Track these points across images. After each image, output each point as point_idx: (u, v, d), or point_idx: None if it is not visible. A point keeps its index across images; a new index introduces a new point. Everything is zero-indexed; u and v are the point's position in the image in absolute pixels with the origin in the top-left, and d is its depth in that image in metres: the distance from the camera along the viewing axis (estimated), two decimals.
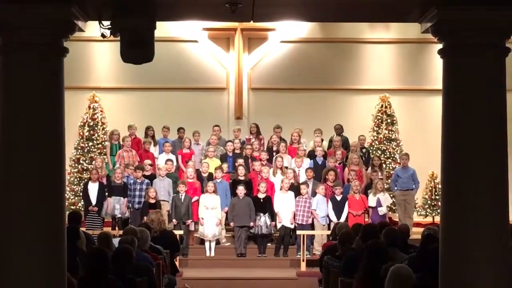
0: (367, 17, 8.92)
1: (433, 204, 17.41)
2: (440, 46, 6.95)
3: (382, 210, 14.94)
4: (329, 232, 13.70)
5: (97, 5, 6.91)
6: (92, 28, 7.76)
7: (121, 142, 16.53)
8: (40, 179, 6.41)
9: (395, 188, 15.83)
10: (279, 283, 13.93)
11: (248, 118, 18.27)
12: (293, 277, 14.07)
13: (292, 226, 15.07)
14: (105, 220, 15.28)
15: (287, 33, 18.11)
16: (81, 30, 7.06)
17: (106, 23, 7.08)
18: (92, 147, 17.40)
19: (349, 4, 7.09)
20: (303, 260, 14.40)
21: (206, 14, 7.93)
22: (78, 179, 17.09)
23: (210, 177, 15.58)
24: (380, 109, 18.02)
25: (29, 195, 6.37)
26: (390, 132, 17.85)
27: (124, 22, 6.93)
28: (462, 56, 6.64)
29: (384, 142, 17.78)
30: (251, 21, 7.96)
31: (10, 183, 6.42)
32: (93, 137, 17.50)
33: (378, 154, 17.11)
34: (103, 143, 17.33)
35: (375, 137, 17.85)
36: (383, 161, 16.94)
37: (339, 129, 17.00)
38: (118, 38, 7.07)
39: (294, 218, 15.02)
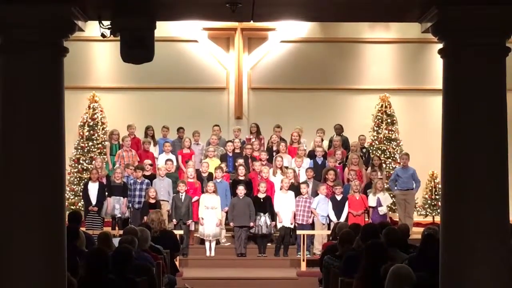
0: (367, 17, 8.93)
1: (433, 204, 17.42)
2: (440, 45, 6.95)
3: (382, 210, 14.93)
4: (329, 232, 13.70)
5: (97, 5, 6.91)
6: (92, 28, 7.77)
7: (120, 142, 16.52)
8: (40, 179, 6.41)
9: (395, 187, 15.83)
10: (279, 283, 13.93)
11: (248, 118, 18.26)
12: (293, 277, 14.06)
13: (292, 226, 15.06)
14: (105, 220, 15.27)
15: (287, 33, 18.10)
16: (81, 30, 7.07)
17: (106, 23, 7.09)
18: (92, 147, 17.39)
19: (349, 4, 7.09)
20: (303, 260, 14.39)
21: (206, 14, 7.93)
22: (78, 179, 17.09)
23: (210, 177, 15.57)
24: (380, 109, 18.02)
25: (29, 195, 6.37)
26: (390, 132, 17.85)
27: (124, 22, 6.94)
28: (462, 56, 6.64)
29: (384, 142, 17.78)
30: (251, 21, 7.97)
31: (10, 182, 6.42)
32: (93, 137, 17.49)
33: (378, 154, 17.10)
34: (103, 143, 17.33)
35: (375, 137, 17.85)
36: (383, 161, 16.93)
37: (339, 129, 17.00)
38: (118, 38, 7.08)
39: (294, 218, 15.02)
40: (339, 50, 18.55)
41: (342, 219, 14.54)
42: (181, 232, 14.48)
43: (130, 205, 15.03)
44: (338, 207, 14.87)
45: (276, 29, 17.95)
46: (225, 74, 18.45)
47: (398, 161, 16.87)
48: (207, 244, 15.04)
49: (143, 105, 18.23)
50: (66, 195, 9.28)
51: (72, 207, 16.18)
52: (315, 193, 15.08)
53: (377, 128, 17.92)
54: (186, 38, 18.22)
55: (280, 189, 15.21)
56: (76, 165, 17.26)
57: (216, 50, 18.31)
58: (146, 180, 15.20)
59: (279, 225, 15.10)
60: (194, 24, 17.35)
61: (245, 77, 18.37)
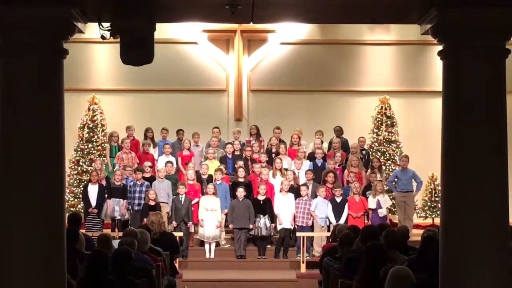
0: (367, 19, 8.94)
1: (433, 206, 17.40)
2: (440, 47, 6.95)
3: (382, 212, 14.93)
4: (328, 234, 13.71)
5: (96, 7, 6.92)
6: (92, 30, 7.77)
7: (120, 144, 16.52)
8: (40, 181, 6.41)
9: (395, 188, 15.83)
10: (279, 285, 13.91)
11: (247, 120, 18.26)
12: (293, 279, 14.05)
13: (292, 228, 15.06)
14: (105, 222, 15.27)
15: (287, 35, 18.11)
16: (80, 31, 7.07)
17: (106, 24, 7.09)
18: (92, 149, 17.37)
19: (348, 6, 7.09)
20: (303, 262, 14.39)
21: (206, 15, 7.94)
22: (78, 181, 17.07)
23: (210, 179, 15.57)
24: (380, 110, 18.01)
25: (29, 197, 6.38)
26: (390, 134, 17.83)
27: (123, 24, 6.94)
28: (462, 58, 6.65)
29: (384, 144, 17.77)
30: (251, 23, 7.97)
31: (10, 184, 6.42)
32: (92, 139, 17.47)
33: (378, 156, 17.10)
34: (102, 145, 17.31)
35: (375, 139, 17.84)
36: (383, 163, 16.93)
37: (338, 131, 17.00)
38: (118, 40, 7.08)
39: (294, 220, 15.02)
40: (339, 52, 18.55)
41: (342, 221, 14.53)
42: (181, 234, 14.49)
43: (130, 207, 15.03)
44: (337, 209, 14.88)
45: (275, 31, 17.95)
46: (225, 76, 18.45)
47: (398, 163, 16.87)
48: (206, 246, 15.04)
49: (143, 107, 18.24)
50: (65, 197, 9.29)
51: (71, 209, 16.16)
52: (314, 195, 15.08)
53: (377, 130, 17.91)
54: (185, 40, 18.23)
55: (280, 191, 15.21)
56: (76, 167, 17.24)
57: (216, 52, 18.32)
58: (146, 182, 15.20)
59: (278, 227, 15.10)
60: (194, 26, 17.35)
61: (245, 79, 18.37)
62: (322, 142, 16.71)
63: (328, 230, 14.48)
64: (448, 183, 6.77)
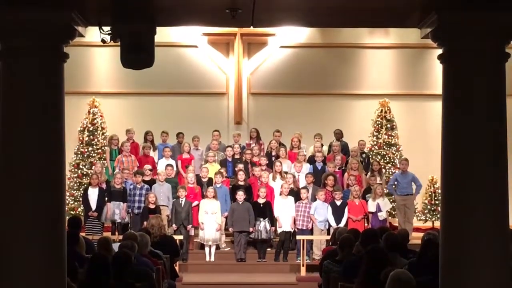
0: (367, 23, 8.94)
1: (433, 209, 17.41)
2: (439, 51, 6.96)
3: (382, 215, 14.94)
4: (328, 237, 13.71)
5: (97, 11, 6.93)
6: (92, 33, 7.78)
7: (120, 147, 16.52)
8: (40, 184, 6.42)
9: (395, 191, 15.84)
10: None
11: (247, 123, 18.27)
12: (293, 282, 14.06)
13: (292, 231, 15.06)
14: (105, 225, 15.27)
15: (287, 38, 18.12)
16: (81, 35, 7.08)
17: (106, 28, 7.10)
18: (92, 152, 17.37)
19: (348, 10, 7.11)
20: (303, 265, 14.39)
21: (206, 19, 7.95)
22: (78, 184, 17.07)
23: (210, 182, 15.58)
24: (379, 114, 18.02)
25: (29, 200, 6.38)
26: (389, 137, 17.84)
27: (124, 28, 6.95)
28: (461, 62, 6.66)
29: (384, 147, 17.78)
30: (251, 27, 7.98)
31: (10, 188, 6.43)
32: (92, 142, 17.47)
33: (377, 159, 17.09)
34: (102, 148, 17.31)
35: (375, 142, 17.84)
36: (382, 166, 16.94)
37: (338, 134, 17.01)
38: (118, 44, 7.09)
39: (294, 223, 15.02)
40: (339, 55, 18.56)
41: (342, 224, 14.55)
42: (181, 237, 14.49)
43: (130, 210, 15.03)
44: (337, 213, 14.88)
45: (275, 34, 17.95)
46: (225, 79, 18.46)
47: (398, 166, 16.87)
48: (206, 249, 15.04)
49: (143, 110, 18.23)
50: (66, 200, 9.29)
51: (72, 212, 16.17)
52: (314, 199, 15.09)
53: (377, 133, 17.92)
54: (185, 43, 18.24)
55: (280, 194, 15.21)
56: (76, 170, 17.25)
57: (216, 55, 18.33)
58: (146, 185, 15.20)
59: (279, 230, 15.11)
60: (194, 30, 17.35)
61: (245, 82, 18.37)
62: (322, 145, 16.72)
63: (328, 233, 14.48)
64: (448, 186, 6.78)
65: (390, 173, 17.16)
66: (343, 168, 16.20)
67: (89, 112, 17.71)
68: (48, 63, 6.57)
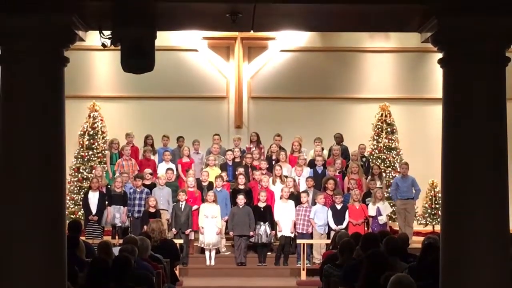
0: (367, 27, 8.95)
1: (433, 213, 17.40)
2: (440, 55, 6.97)
3: (382, 219, 14.94)
4: (328, 241, 13.71)
5: (97, 15, 6.94)
6: (93, 37, 7.78)
7: (120, 151, 16.52)
8: (40, 188, 6.43)
9: (396, 196, 15.84)
10: None
11: (248, 127, 18.27)
12: (293, 286, 14.05)
13: (292, 235, 15.06)
14: (105, 229, 15.27)
15: (287, 42, 18.13)
16: (81, 39, 7.09)
17: (107, 32, 7.10)
18: (92, 156, 17.37)
19: (348, 14, 7.12)
20: (303, 269, 14.39)
21: (207, 24, 7.97)
22: (78, 188, 17.07)
23: (210, 186, 15.58)
24: (380, 118, 18.03)
25: (30, 203, 6.39)
26: (390, 141, 17.85)
27: (124, 32, 6.95)
28: (462, 66, 6.67)
29: (384, 151, 17.78)
30: (252, 31, 7.98)
31: (10, 191, 6.43)
32: (93, 146, 17.48)
33: (378, 163, 17.10)
34: (103, 152, 17.31)
35: (375, 146, 17.85)
36: (383, 170, 16.94)
37: (339, 138, 17.01)
38: (119, 48, 7.09)
39: (295, 227, 15.01)
40: (339, 59, 18.56)
41: (343, 226, 14.59)
42: (181, 241, 14.48)
43: (130, 214, 15.03)
44: (338, 216, 14.88)
45: (276, 38, 17.97)
46: (225, 83, 18.47)
47: (398, 170, 16.87)
48: (207, 253, 15.03)
49: (143, 114, 18.24)
50: (66, 204, 9.29)
51: (72, 216, 16.16)
52: (315, 202, 15.08)
53: (377, 137, 17.92)
54: (186, 47, 18.24)
55: (280, 198, 15.21)
56: (76, 174, 17.25)
57: (216, 59, 18.34)
58: (146, 189, 15.20)
59: (279, 234, 15.10)
60: (194, 33, 17.36)
61: (245, 86, 18.38)
62: (322, 149, 16.72)
63: (328, 237, 14.47)
64: (448, 190, 6.78)
65: (391, 177, 17.16)
66: (344, 172, 16.20)
67: (89, 116, 17.71)
68: (48, 67, 6.58)
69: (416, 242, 13.74)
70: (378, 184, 15.79)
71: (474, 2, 6.44)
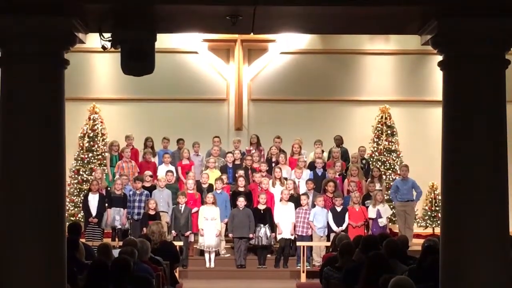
0: (367, 29, 8.95)
1: (433, 215, 17.40)
2: (440, 58, 6.97)
3: (382, 222, 14.95)
4: (328, 244, 13.71)
5: (97, 17, 6.93)
6: (93, 39, 7.78)
7: (120, 153, 16.52)
8: (40, 190, 6.43)
9: (396, 198, 15.84)
10: None
11: (248, 129, 18.27)
12: None
13: (292, 238, 15.06)
14: (105, 231, 15.27)
15: (287, 45, 18.13)
16: (81, 42, 7.09)
17: (107, 35, 7.11)
18: (92, 158, 17.38)
19: (348, 16, 7.12)
20: (303, 272, 14.39)
21: (207, 26, 7.95)
22: (78, 190, 17.07)
23: (210, 188, 15.58)
24: (380, 120, 18.03)
25: (29, 206, 6.39)
26: (390, 143, 17.85)
27: (124, 34, 6.96)
28: (462, 68, 6.67)
29: (384, 153, 17.78)
30: (252, 33, 7.98)
31: (10, 194, 6.43)
32: (93, 148, 17.48)
33: (378, 165, 17.10)
34: (103, 154, 17.32)
35: (375, 148, 17.85)
36: (383, 173, 16.94)
37: (338, 140, 17.01)
38: (119, 50, 7.10)
39: (294, 229, 15.01)
40: (339, 61, 18.57)
41: (343, 227, 14.61)
42: (181, 243, 14.48)
43: (130, 216, 15.03)
44: (338, 219, 14.89)
45: (276, 40, 17.97)
46: (225, 86, 18.47)
47: (398, 172, 16.88)
48: (206, 255, 15.03)
49: (143, 116, 18.24)
50: (66, 206, 9.28)
51: (72, 218, 16.17)
52: (315, 205, 15.08)
53: (377, 140, 17.93)
54: (186, 50, 18.25)
55: (280, 200, 15.21)
56: (76, 176, 17.25)
57: (216, 62, 18.34)
58: (145, 191, 15.21)
59: (279, 237, 15.10)
60: (194, 36, 17.37)
61: (245, 88, 18.38)
62: (322, 151, 16.72)
63: (328, 240, 14.48)
64: (448, 192, 6.78)
65: (391, 179, 17.16)
66: (344, 174, 16.20)
67: (89, 118, 17.72)
68: (48, 69, 6.58)
69: (416, 245, 13.75)
70: (378, 186, 15.79)
71: (474, 5, 6.44)
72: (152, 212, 14.60)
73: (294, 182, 15.65)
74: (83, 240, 11.99)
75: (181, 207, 14.97)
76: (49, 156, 6.53)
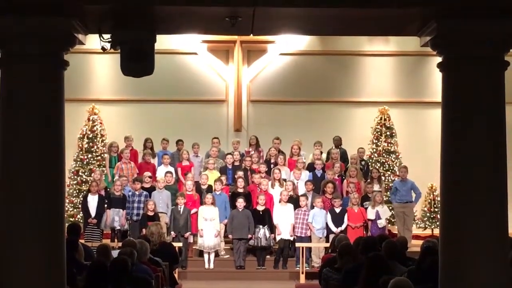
0: (366, 31, 8.96)
1: (432, 216, 17.40)
2: (439, 59, 6.98)
3: (381, 223, 14.95)
4: (327, 245, 13.71)
5: (97, 19, 6.94)
6: (92, 40, 7.80)
7: (119, 154, 16.52)
8: (40, 191, 6.43)
9: (395, 199, 15.86)
10: None
11: (247, 130, 18.27)
12: None
13: (292, 239, 15.06)
14: (104, 232, 15.27)
15: (286, 46, 18.13)
16: (81, 43, 7.10)
17: (106, 36, 7.11)
18: (91, 159, 17.37)
19: (348, 18, 7.12)
20: (302, 273, 14.39)
21: (206, 27, 7.96)
22: (77, 191, 17.06)
23: (210, 189, 15.57)
24: (379, 121, 18.03)
25: (29, 207, 6.39)
26: (389, 145, 17.85)
27: (124, 35, 6.97)
28: (461, 70, 6.68)
29: (383, 154, 17.78)
30: (251, 35, 7.99)
31: (10, 195, 6.44)
32: (92, 149, 17.47)
33: (377, 167, 17.10)
34: (102, 155, 17.32)
35: (374, 150, 17.85)
36: (382, 174, 16.94)
37: (337, 141, 17.01)
38: (118, 51, 7.10)
39: (294, 230, 15.02)
40: (338, 62, 18.57)
41: (342, 228, 14.60)
42: (180, 244, 14.48)
43: (129, 217, 15.03)
44: (337, 220, 14.89)
45: (275, 41, 17.98)
46: (224, 87, 18.47)
47: (397, 173, 16.88)
48: (206, 256, 15.03)
49: (143, 118, 18.23)
50: (65, 207, 9.29)
51: (71, 219, 16.16)
52: (313, 206, 15.08)
53: (376, 141, 17.92)
54: (185, 51, 18.25)
55: (279, 201, 15.21)
56: (75, 177, 17.24)
57: (216, 63, 18.34)
58: (145, 192, 15.21)
59: (278, 238, 15.10)
60: (194, 37, 17.37)
61: (245, 89, 18.38)
62: (321, 152, 16.73)
63: (327, 241, 14.48)
64: (447, 193, 6.79)
65: (390, 180, 17.17)
66: (343, 175, 16.20)
67: (88, 119, 17.71)
68: (48, 70, 6.59)
69: (415, 246, 13.74)
70: (376, 187, 15.79)
71: (473, 6, 6.45)
72: (151, 213, 14.60)
73: (293, 183, 15.66)
74: (82, 241, 11.99)
75: (180, 208, 14.97)
76: (49, 157, 6.54)
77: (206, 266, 15.01)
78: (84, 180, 17.14)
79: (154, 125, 17.90)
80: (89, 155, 17.39)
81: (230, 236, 15.09)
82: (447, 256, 6.69)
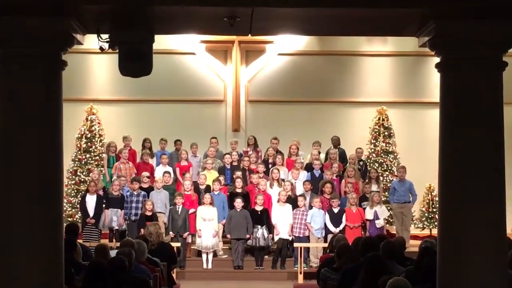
0: (364, 31, 8.96)
1: (430, 216, 17.40)
2: (437, 59, 6.98)
3: (379, 223, 14.96)
4: (326, 245, 13.71)
5: (95, 19, 6.94)
6: (91, 40, 7.79)
7: (117, 154, 16.52)
8: (38, 191, 6.43)
9: (393, 199, 15.86)
10: None
11: (245, 130, 18.28)
12: None
13: (290, 239, 15.06)
14: (102, 232, 15.26)
15: (285, 46, 18.15)
16: (79, 43, 7.10)
17: (105, 36, 7.11)
18: (90, 159, 17.37)
19: (346, 18, 7.12)
20: (300, 273, 14.39)
21: (205, 27, 7.96)
22: (75, 191, 17.06)
23: (208, 189, 15.57)
24: (377, 121, 18.04)
25: (28, 207, 6.39)
26: (387, 145, 17.86)
27: (122, 35, 6.96)
28: (459, 70, 6.68)
29: (382, 154, 17.79)
30: (249, 35, 7.99)
31: (8, 194, 6.43)
32: (90, 149, 17.48)
33: (375, 167, 17.12)
34: (100, 155, 17.32)
35: (373, 150, 17.86)
36: (380, 174, 16.94)
37: (336, 141, 17.02)
38: (117, 51, 7.10)
39: (292, 230, 15.02)
40: (337, 63, 18.58)
41: (340, 228, 14.61)
42: (178, 244, 14.48)
43: (127, 217, 15.03)
44: (335, 220, 14.90)
45: (273, 42, 18.00)
46: (223, 87, 18.47)
47: (396, 174, 16.89)
48: (204, 256, 15.03)
49: (141, 117, 18.24)
50: (63, 207, 9.28)
51: (69, 219, 16.16)
52: (312, 206, 15.09)
53: (375, 141, 17.94)
54: (183, 51, 18.26)
55: (277, 201, 15.22)
56: (74, 177, 17.25)
57: (214, 63, 18.35)
58: (143, 192, 15.21)
59: (276, 238, 15.10)
60: (192, 37, 17.37)
61: (243, 89, 18.40)
62: (319, 153, 16.73)
63: (325, 241, 14.49)
64: (445, 193, 6.79)
65: (388, 180, 17.18)
66: (341, 175, 16.21)
67: (86, 119, 17.72)
68: (46, 70, 6.58)
69: (413, 246, 13.74)
70: (374, 188, 15.80)
71: (472, 7, 6.45)
72: (149, 213, 14.59)
73: (292, 183, 15.66)
74: (80, 241, 11.96)
75: (178, 208, 14.97)
76: (47, 157, 6.53)
77: (204, 266, 15.01)
78: (82, 180, 17.14)
79: (152, 125, 17.91)
80: (87, 155, 17.39)
81: (228, 236, 15.09)
82: (446, 256, 6.69)
